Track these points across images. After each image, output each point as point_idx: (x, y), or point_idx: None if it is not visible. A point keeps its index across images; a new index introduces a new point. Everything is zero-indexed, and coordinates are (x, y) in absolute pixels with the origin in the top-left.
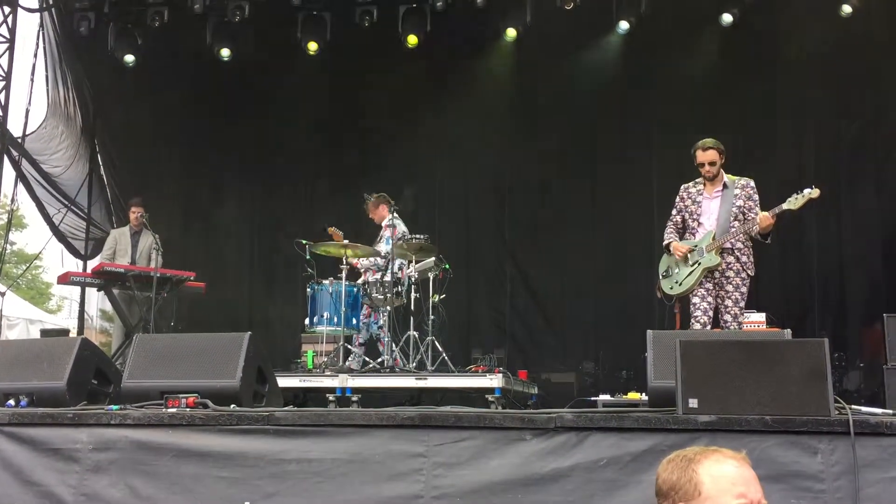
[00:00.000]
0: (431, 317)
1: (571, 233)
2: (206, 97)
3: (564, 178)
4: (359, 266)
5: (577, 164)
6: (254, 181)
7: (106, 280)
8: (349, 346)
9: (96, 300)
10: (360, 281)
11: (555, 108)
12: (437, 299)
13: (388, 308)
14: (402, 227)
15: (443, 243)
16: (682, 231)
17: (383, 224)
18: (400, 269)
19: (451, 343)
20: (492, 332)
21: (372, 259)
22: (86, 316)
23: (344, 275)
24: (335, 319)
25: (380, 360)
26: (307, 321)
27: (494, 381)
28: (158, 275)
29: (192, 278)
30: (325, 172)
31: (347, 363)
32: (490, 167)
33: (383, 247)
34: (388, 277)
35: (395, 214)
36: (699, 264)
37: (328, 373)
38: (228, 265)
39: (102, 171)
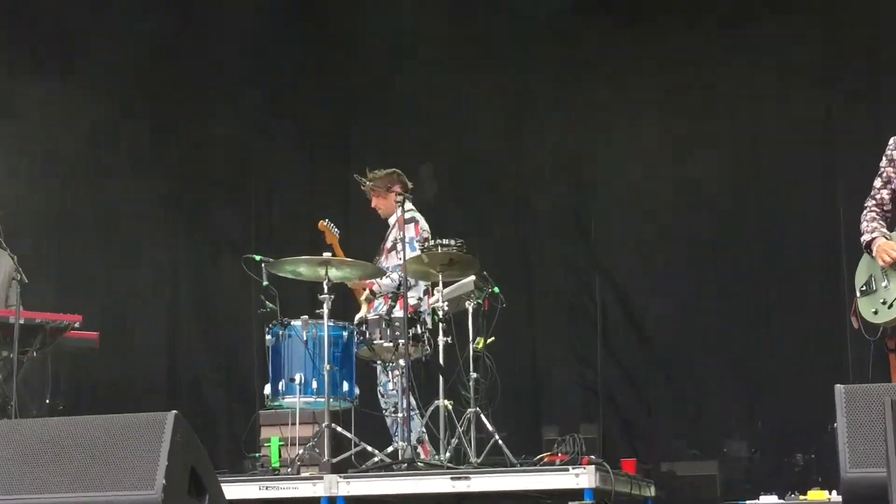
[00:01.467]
0: (474, 374)
1: None
2: None
3: None
4: (370, 290)
5: None
6: (174, 164)
7: None
8: (338, 429)
9: None
10: (358, 317)
11: None
12: (481, 345)
13: (402, 362)
14: (424, 226)
15: (486, 253)
16: (894, 217)
17: (395, 219)
18: (421, 296)
19: (507, 417)
20: (575, 395)
21: (393, 279)
22: None
23: (326, 308)
24: (314, 384)
25: (390, 448)
26: (267, 389)
27: (583, 478)
28: (22, 321)
29: (76, 325)
30: (284, 149)
31: (374, 458)
32: (557, 126)
33: (400, 257)
34: (397, 311)
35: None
36: None
37: (305, 474)
38: (137, 302)
39: None
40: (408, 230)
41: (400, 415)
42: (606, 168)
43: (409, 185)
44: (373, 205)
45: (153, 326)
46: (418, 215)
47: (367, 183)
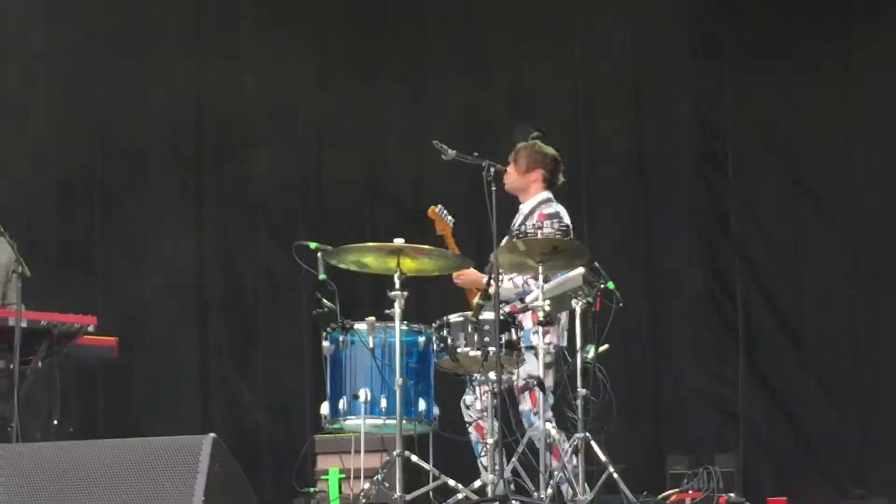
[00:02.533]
0: (582, 391)
1: None
2: None
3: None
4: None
5: None
6: (202, 131)
7: None
8: (413, 458)
9: None
10: (438, 323)
11: None
12: (592, 355)
13: (493, 376)
14: (567, 220)
15: (599, 240)
16: None
17: (533, 204)
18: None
19: (624, 445)
20: (709, 419)
21: (517, 283)
22: None
23: (398, 308)
24: (383, 402)
25: (478, 482)
26: (325, 409)
27: None
28: (24, 323)
29: (90, 329)
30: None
31: (458, 495)
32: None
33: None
34: (487, 313)
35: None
36: None
37: None
38: (162, 301)
39: None
40: (546, 227)
41: (490, 441)
42: (749, 136)
43: (560, 179)
44: (507, 169)
45: (181, 332)
46: (563, 210)
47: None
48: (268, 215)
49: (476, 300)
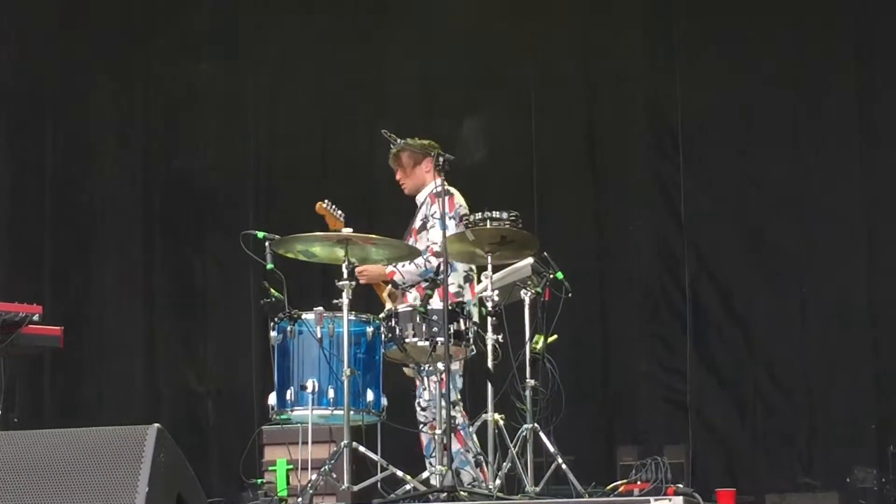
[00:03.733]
0: (531, 381)
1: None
2: None
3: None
4: (392, 281)
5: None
6: (152, 121)
7: None
8: (361, 449)
9: None
10: (385, 312)
11: None
12: (540, 345)
13: (442, 367)
14: (460, 200)
15: (547, 229)
16: None
17: (426, 193)
18: (462, 283)
19: (573, 435)
20: (657, 409)
21: (419, 263)
22: None
23: (346, 298)
24: (330, 393)
25: (425, 473)
26: (272, 399)
27: None
28: None
29: (35, 318)
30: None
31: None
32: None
33: (434, 236)
34: (436, 302)
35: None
36: None
37: None
38: (108, 290)
39: None
40: (439, 205)
41: (438, 432)
42: (699, 115)
43: (444, 159)
44: (398, 176)
45: (127, 321)
46: (453, 189)
47: (397, 145)
48: (216, 204)
49: (387, 291)
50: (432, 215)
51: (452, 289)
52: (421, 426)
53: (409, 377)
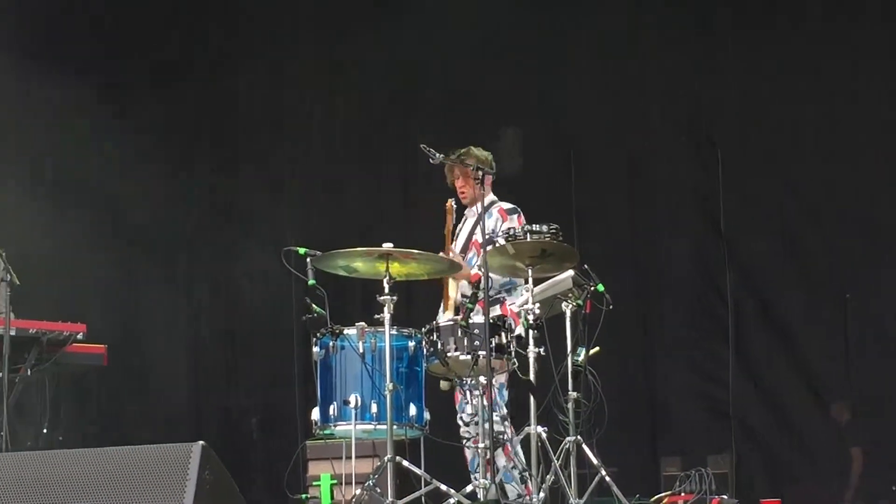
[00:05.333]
0: (573, 394)
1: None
2: None
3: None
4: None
5: None
6: (192, 140)
7: None
8: (404, 463)
9: None
10: (428, 327)
11: None
12: (582, 358)
13: (484, 380)
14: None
15: (588, 242)
16: None
17: (484, 206)
18: (502, 297)
19: (616, 447)
20: (701, 420)
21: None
22: None
23: (387, 313)
24: (373, 408)
25: (469, 487)
26: (315, 414)
27: None
28: (14, 331)
29: (80, 336)
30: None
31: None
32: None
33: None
34: (477, 317)
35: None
36: None
37: None
38: (152, 308)
39: None
40: (511, 220)
41: (481, 446)
42: (738, 124)
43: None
44: (458, 186)
45: (172, 338)
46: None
47: (454, 158)
48: (259, 220)
49: (457, 296)
50: (506, 231)
51: (515, 310)
52: (464, 441)
53: (445, 391)
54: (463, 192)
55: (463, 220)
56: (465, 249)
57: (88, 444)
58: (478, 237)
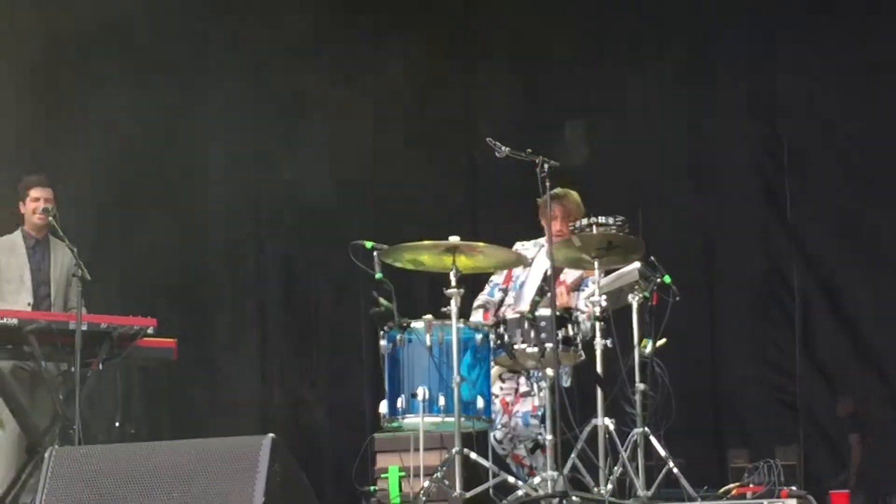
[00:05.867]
0: (640, 385)
1: None
2: None
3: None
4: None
5: None
6: (260, 135)
7: None
8: (472, 455)
9: None
10: (495, 320)
11: None
12: (648, 349)
13: (550, 373)
14: None
15: (653, 234)
16: None
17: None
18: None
19: (684, 438)
20: (768, 411)
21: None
22: None
23: (454, 306)
24: (441, 400)
25: (537, 479)
26: (383, 407)
27: None
28: (85, 326)
29: (150, 331)
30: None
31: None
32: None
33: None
34: (543, 310)
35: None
36: None
37: None
38: (220, 303)
39: None
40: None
41: (549, 437)
42: (804, 113)
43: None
44: (556, 228)
45: (240, 332)
46: None
47: (502, 152)
48: (327, 214)
49: (533, 298)
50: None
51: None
52: (504, 458)
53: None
54: (559, 234)
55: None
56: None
57: (159, 438)
58: (566, 279)
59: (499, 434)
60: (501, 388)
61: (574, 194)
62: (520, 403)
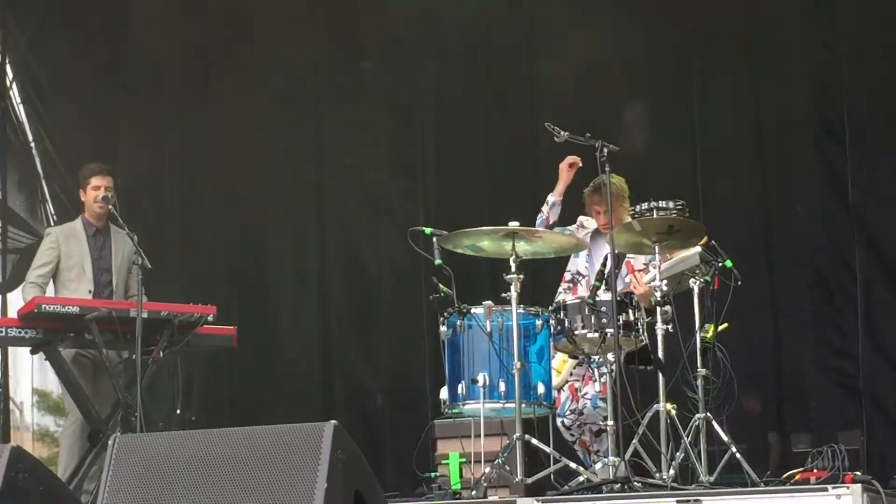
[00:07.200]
0: (702, 370)
1: None
2: None
3: None
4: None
5: None
6: (321, 122)
7: (45, 330)
8: (533, 441)
9: (29, 372)
10: (555, 305)
11: None
12: (711, 334)
13: (611, 357)
14: None
15: (714, 217)
16: None
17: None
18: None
19: (746, 424)
20: (832, 396)
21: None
22: (10, 406)
23: (514, 291)
24: (501, 386)
25: (598, 464)
26: (444, 393)
27: (846, 500)
28: (146, 314)
29: (210, 318)
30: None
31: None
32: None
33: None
34: (604, 294)
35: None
36: None
37: (493, 497)
38: (281, 290)
39: (23, 117)
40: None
41: (610, 423)
42: (866, 97)
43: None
44: (602, 221)
45: (301, 319)
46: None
47: (561, 136)
48: (388, 201)
49: (594, 282)
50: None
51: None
52: (571, 444)
53: (556, 387)
54: (606, 226)
55: (588, 231)
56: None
57: (220, 425)
58: (637, 265)
59: (567, 420)
60: (572, 374)
61: (615, 180)
62: (589, 385)
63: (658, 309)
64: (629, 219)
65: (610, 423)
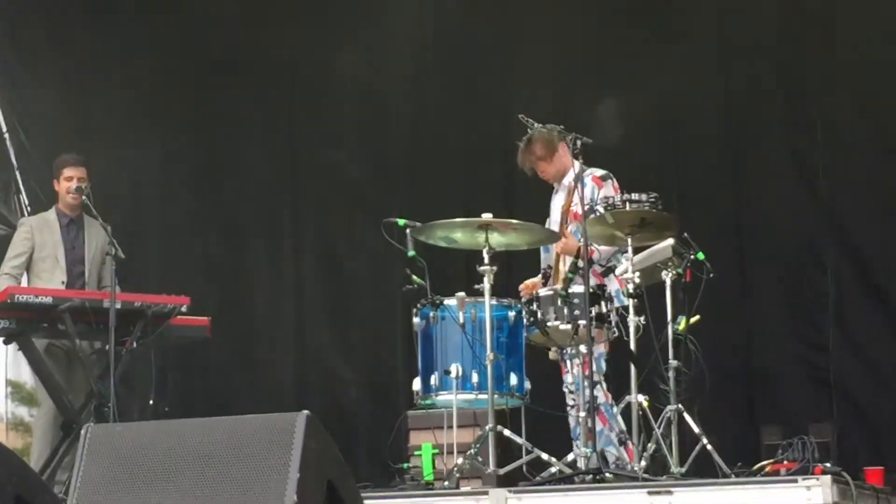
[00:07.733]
0: (674, 362)
1: None
2: None
3: None
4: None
5: None
6: (296, 115)
7: (18, 321)
8: (505, 432)
9: (2, 362)
10: (528, 297)
11: None
12: (683, 326)
13: (584, 350)
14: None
15: (686, 210)
16: None
17: (567, 182)
18: (606, 267)
19: (717, 415)
20: (802, 388)
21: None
22: None
23: (487, 283)
24: (474, 377)
25: (570, 455)
26: (417, 384)
27: (816, 492)
28: (119, 305)
29: (183, 309)
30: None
31: (551, 468)
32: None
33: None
34: (577, 286)
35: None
36: None
37: (466, 488)
38: (254, 280)
39: None
40: (606, 187)
41: (582, 414)
42: (835, 85)
43: (581, 142)
44: (539, 169)
45: (275, 310)
46: (600, 172)
47: (534, 129)
48: (363, 192)
49: (568, 270)
50: (604, 198)
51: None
52: (569, 409)
53: (553, 360)
54: (544, 173)
55: (553, 192)
56: (564, 222)
57: (194, 415)
58: (576, 208)
59: (569, 378)
60: None
61: (536, 134)
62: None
63: (630, 301)
64: (568, 160)
65: (582, 414)
